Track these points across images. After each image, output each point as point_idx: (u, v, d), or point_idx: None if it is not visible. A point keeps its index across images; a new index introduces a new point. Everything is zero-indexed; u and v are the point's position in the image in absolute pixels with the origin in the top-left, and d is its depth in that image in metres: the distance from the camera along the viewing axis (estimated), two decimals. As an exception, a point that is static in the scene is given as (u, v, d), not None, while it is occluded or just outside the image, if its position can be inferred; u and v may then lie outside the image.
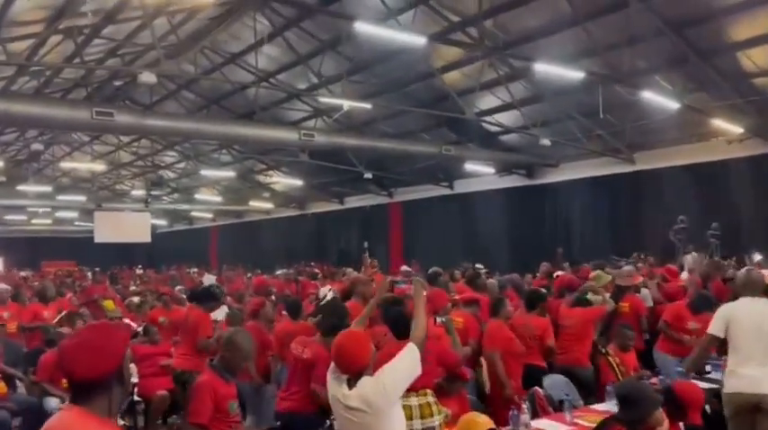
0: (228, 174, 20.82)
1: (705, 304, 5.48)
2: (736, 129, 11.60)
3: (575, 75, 9.34)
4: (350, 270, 12.01)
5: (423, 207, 20.24)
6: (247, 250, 28.23)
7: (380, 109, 14.14)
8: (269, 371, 5.58)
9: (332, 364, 3.08)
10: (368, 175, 18.07)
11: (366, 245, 22.21)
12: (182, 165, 23.30)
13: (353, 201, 23.74)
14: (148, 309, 8.18)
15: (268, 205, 26.10)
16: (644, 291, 6.92)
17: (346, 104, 11.28)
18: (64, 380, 5.66)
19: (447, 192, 19.66)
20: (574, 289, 6.03)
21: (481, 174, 17.46)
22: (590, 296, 5.70)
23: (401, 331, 4.27)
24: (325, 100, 11.24)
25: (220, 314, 8.26)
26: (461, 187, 19.25)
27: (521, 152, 16.11)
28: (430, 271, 7.10)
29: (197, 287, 8.39)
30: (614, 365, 4.94)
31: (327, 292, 6.65)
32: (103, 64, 12.56)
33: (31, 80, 13.25)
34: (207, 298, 5.85)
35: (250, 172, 22.90)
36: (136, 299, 9.77)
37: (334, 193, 23.70)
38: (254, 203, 25.96)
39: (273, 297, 7.79)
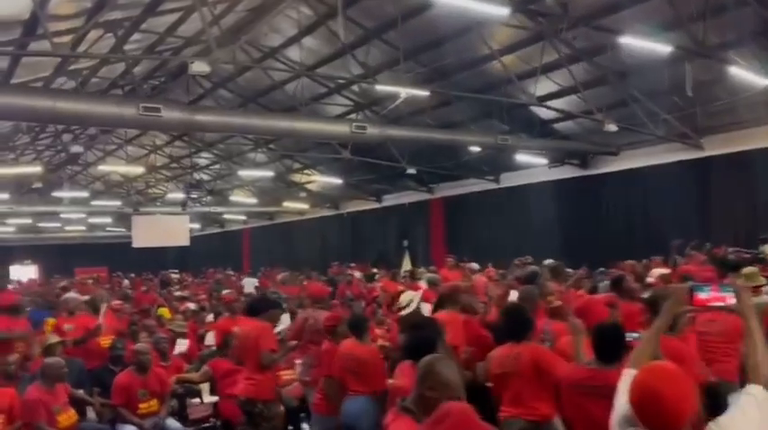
0: (266, 173, 20.26)
1: None
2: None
3: (662, 48, 8.48)
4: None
5: (466, 202, 19.43)
6: (281, 252, 27.72)
7: (425, 101, 13.39)
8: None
9: (622, 413, 2.03)
10: (411, 171, 17.34)
11: (406, 244, 21.56)
12: (216, 166, 22.82)
13: (391, 199, 23.01)
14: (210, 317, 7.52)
15: (303, 206, 25.52)
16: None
17: (404, 92, 10.53)
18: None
19: (493, 186, 18.82)
20: None
21: (530, 166, 16.61)
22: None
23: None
24: (383, 88, 10.52)
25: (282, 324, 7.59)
26: (508, 181, 18.41)
27: (577, 140, 15.22)
28: (529, 270, 6.34)
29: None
30: None
31: (414, 299, 5.72)
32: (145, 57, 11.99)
33: (68, 81, 12.76)
34: (266, 307, 5.11)
35: (287, 171, 22.29)
36: (192, 305, 9.12)
37: (371, 191, 23.00)
38: (289, 204, 25.41)
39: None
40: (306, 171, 22.28)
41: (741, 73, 9.47)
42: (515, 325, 3.92)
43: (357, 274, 14.97)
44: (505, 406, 3.76)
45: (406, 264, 19.68)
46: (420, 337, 3.84)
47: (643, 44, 8.32)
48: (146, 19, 10.66)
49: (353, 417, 4.42)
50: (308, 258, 24.58)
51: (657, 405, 1.82)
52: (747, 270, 5.39)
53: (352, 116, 15.59)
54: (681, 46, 9.01)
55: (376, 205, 23.74)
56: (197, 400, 5.55)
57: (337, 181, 20.21)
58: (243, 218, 31.52)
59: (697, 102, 12.08)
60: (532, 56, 12.13)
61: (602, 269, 9.81)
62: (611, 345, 3.06)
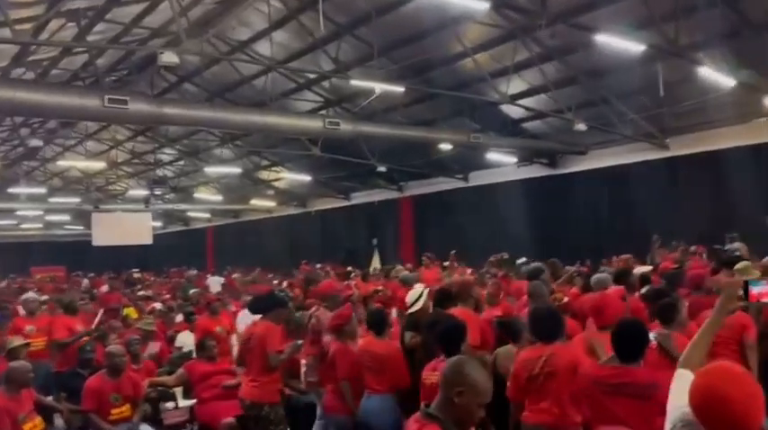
0: (233, 170, 19.86)
1: None
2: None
3: (636, 47, 8.55)
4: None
5: (436, 201, 19.42)
6: (247, 251, 27.26)
7: (397, 98, 13.30)
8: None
9: (679, 417, 1.88)
10: (381, 169, 17.21)
11: (375, 242, 21.45)
12: (181, 163, 22.30)
13: (360, 197, 22.87)
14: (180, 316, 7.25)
15: (271, 203, 25.16)
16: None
17: (378, 88, 10.39)
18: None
19: (462, 184, 18.86)
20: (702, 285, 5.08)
21: (499, 165, 16.68)
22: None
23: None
24: (358, 83, 10.36)
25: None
26: (477, 179, 18.47)
27: (546, 140, 15.34)
28: (532, 266, 6.28)
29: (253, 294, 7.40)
30: None
31: (423, 295, 5.49)
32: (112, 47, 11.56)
33: (27, 72, 12.24)
34: (272, 306, 4.86)
35: (254, 168, 21.92)
36: (159, 305, 8.81)
37: (340, 189, 22.82)
38: (256, 202, 25.02)
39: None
40: (274, 168, 21.97)
41: (710, 73, 9.64)
42: (547, 325, 3.66)
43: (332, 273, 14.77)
44: (531, 411, 3.52)
45: (375, 263, 19.59)
46: (450, 327, 3.70)
47: (618, 42, 8.37)
48: (110, 9, 10.26)
49: (373, 416, 4.27)
50: (275, 257, 24.23)
51: (725, 408, 1.71)
52: (740, 265, 5.41)
53: (323, 113, 15.38)
54: (654, 44, 9.10)
55: (345, 203, 23.56)
56: (171, 404, 5.32)
57: (306, 178, 19.97)
58: (207, 216, 30.94)
59: (665, 102, 12.28)
60: (504, 54, 12.15)
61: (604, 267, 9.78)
62: (634, 343, 2.95)
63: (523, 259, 11.65)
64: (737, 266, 5.36)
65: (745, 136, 12.17)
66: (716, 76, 9.65)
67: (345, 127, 11.26)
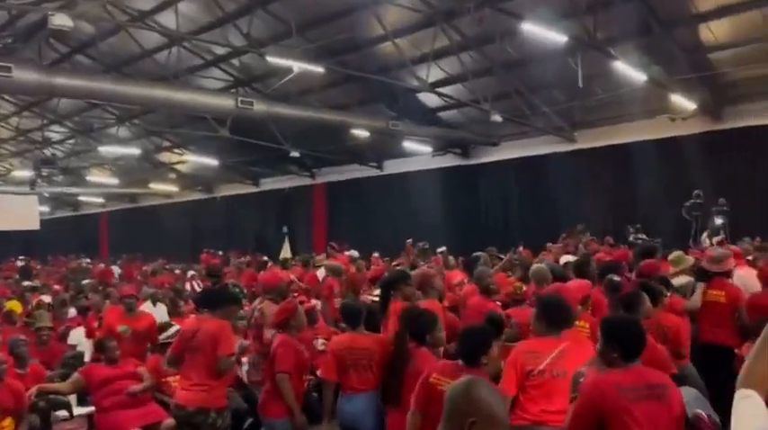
0: (131, 151, 18.46)
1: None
2: (691, 106, 11.44)
3: (559, 38, 8.57)
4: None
5: (350, 189, 19.08)
6: (145, 238, 25.67)
7: (312, 80, 12.78)
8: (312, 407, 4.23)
9: None
10: (294, 154, 16.61)
11: (285, 230, 20.82)
12: (71, 141, 20.54)
13: (270, 183, 22.11)
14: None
15: (172, 188, 23.77)
16: (736, 275, 5.39)
17: (296, 67, 9.84)
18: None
19: (376, 172, 18.64)
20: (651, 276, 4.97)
21: (414, 154, 16.58)
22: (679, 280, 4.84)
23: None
24: (275, 60, 9.73)
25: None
26: (392, 168, 18.31)
27: (460, 129, 15.37)
28: (474, 254, 6.06)
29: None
30: None
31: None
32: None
33: None
34: (224, 301, 4.29)
35: (155, 149, 20.56)
36: (47, 298, 7.84)
37: (248, 174, 21.91)
38: (156, 186, 23.54)
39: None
40: (176, 150, 20.72)
41: (624, 68, 9.88)
42: (556, 315, 3.31)
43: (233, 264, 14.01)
44: (525, 410, 3.19)
45: (286, 252, 18.99)
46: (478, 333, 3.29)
47: (541, 32, 8.35)
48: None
49: (358, 418, 3.88)
50: (176, 245, 22.98)
51: None
52: (674, 255, 5.48)
53: (233, 92, 14.58)
54: (574, 37, 9.18)
55: (254, 189, 22.70)
56: (64, 414, 4.64)
57: (212, 162, 18.91)
58: (101, 200, 28.86)
59: (577, 96, 12.60)
60: (423, 41, 11.96)
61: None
62: (639, 340, 2.67)
63: (443, 248, 11.61)
64: (671, 256, 5.41)
65: (650, 131, 12.71)
66: (629, 71, 9.91)
67: (259, 107, 10.64)
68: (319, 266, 8.85)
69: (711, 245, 8.22)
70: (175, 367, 4.22)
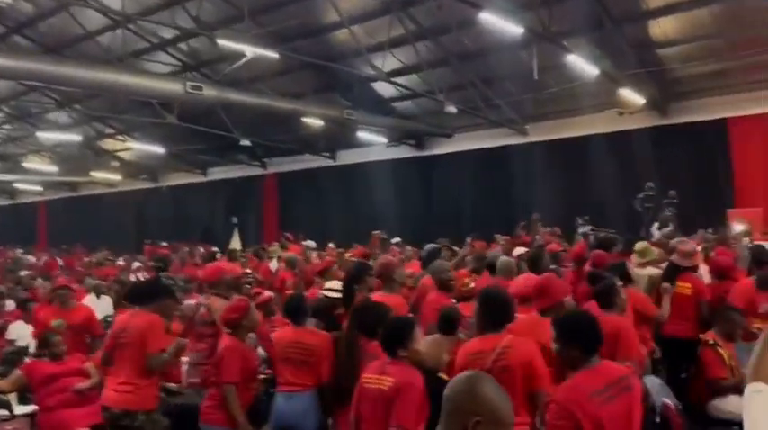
0: (72, 137, 17.62)
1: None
2: (640, 101, 11.70)
3: (516, 29, 8.58)
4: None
5: (302, 179, 18.79)
6: (87, 228, 24.64)
7: (264, 67, 12.45)
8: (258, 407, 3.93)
9: None
10: (245, 142, 16.19)
11: (235, 221, 20.33)
12: (7, 127, 19.48)
13: (219, 172, 21.56)
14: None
15: (115, 176, 22.87)
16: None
17: (249, 52, 9.53)
18: None
19: (329, 163, 18.41)
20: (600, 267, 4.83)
21: (368, 145, 16.43)
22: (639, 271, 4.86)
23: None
24: (227, 43, 9.37)
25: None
26: (345, 158, 18.12)
27: (415, 120, 15.32)
28: (430, 247, 5.93)
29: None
30: (725, 358, 3.94)
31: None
32: None
33: None
34: (156, 294, 4.01)
35: (97, 136, 19.73)
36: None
37: (196, 163, 21.29)
38: (97, 174, 22.58)
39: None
40: (119, 137, 19.93)
41: (577, 62, 10.00)
42: (496, 311, 3.17)
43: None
44: None
45: (235, 243, 18.55)
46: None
47: (498, 22, 8.34)
48: None
49: (296, 418, 3.68)
50: (119, 236, 22.16)
51: None
52: (639, 245, 5.51)
53: (183, 76, 14.07)
54: (530, 28, 9.22)
55: (201, 178, 22.09)
56: (4, 413, 4.32)
57: (158, 150, 18.26)
58: (39, 188, 27.53)
59: (529, 89, 12.72)
60: (378, 29, 11.83)
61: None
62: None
63: (397, 239, 11.56)
64: (637, 247, 5.45)
65: (601, 125, 12.97)
66: (582, 64, 10.04)
67: (209, 92, 10.27)
68: (272, 258, 8.62)
69: (666, 238, 8.41)
70: (109, 366, 3.90)
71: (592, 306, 3.72)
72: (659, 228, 10.18)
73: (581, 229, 11.62)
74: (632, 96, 11.52)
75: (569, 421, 2.38)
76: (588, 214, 11.73)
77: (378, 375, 2.90)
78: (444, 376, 3.40)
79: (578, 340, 2.54)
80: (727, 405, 3.80)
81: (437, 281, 4.74)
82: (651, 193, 10.33)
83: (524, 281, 4.11)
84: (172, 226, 21.87)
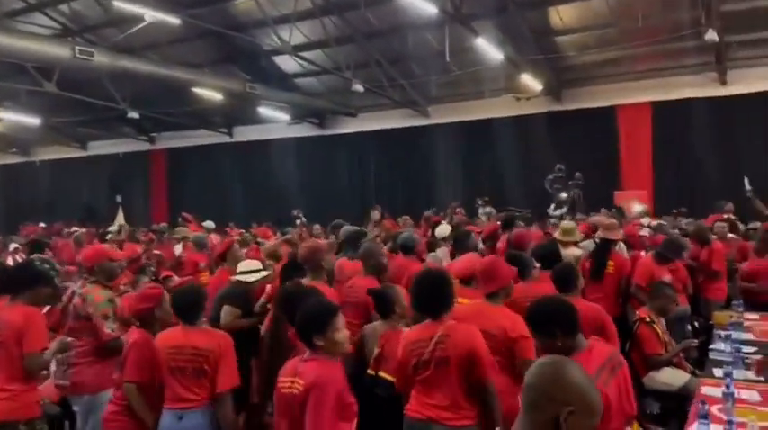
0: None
1: (674, 251, 5.05)
2: (537, 86, 12.15)
3: (431, 8, 8.54)
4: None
5: (195, 156, 17.91)
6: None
7: (155, 34, 11.63)
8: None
9: None
10: (133, 115, 15.05)
11: (119, 199, 19.05)
12: None
13: (101, 147, 20.07)
14: None
15: (-22, 149, 20.66)
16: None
17: (149, 16, 8.78)
18: None
19: (225, 139, 17.66)
20: (524, 248, 4.81)
21: (267, 121, 15.90)
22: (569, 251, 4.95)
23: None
24: (124, 5, 8.53)
25: None
26: (242, 135, 17.46)
27: (319, 98, 15.00)
28: (352, 229, 5.68)
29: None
30: (659, 334, 4.02)
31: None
32: None
33: None
34: (29, 282, 3.35)
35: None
36: None
37: (75, 136, 19.64)
38: (-42, 146, 20.28)
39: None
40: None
41: (483, 45, 10.16)
42: (434, 296, 2.94)
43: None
44: (415, 404, 2.87)
45: (120, 222, 17.37)
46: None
47: (414, 1, 8.27)
48: None
49: None
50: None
51: None
52: (565, 225, 5.62)
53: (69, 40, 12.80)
54: (443, 9, 9.23)
55: (81, 153, 20.48)
56: None
57: (32, 121, 16.56)
58: None
59: (433, 71, 12.83)
60: (283, 1, 11.39)
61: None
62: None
63: (301, 215, 11.28)
64: (563, 226, 5.58)
65: (502, 109, 13.36)
66: (488, 48, 10.22)
67: (100, 59, 9.39)
68: (179, 239, 8.04)
69: (561, 217, 8.82)
70: None
71: (541, 288, 3.64)
72: (554, 209, 10.72)
73: (481, 210, 12.00)
74: (531, 82, 11.95)
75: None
76: (488, 195, 12.12)
77: (291, 377, 2.54)
78: (371, 371, 3.25)
79: (558, 325, 2.48)
80: (662, 377, 4.02)
81: (366, 265, 4.28)
82: (561, 175, 10.80)
83: (467, 262, 3.94)
84: (47, 204, 20.13)
